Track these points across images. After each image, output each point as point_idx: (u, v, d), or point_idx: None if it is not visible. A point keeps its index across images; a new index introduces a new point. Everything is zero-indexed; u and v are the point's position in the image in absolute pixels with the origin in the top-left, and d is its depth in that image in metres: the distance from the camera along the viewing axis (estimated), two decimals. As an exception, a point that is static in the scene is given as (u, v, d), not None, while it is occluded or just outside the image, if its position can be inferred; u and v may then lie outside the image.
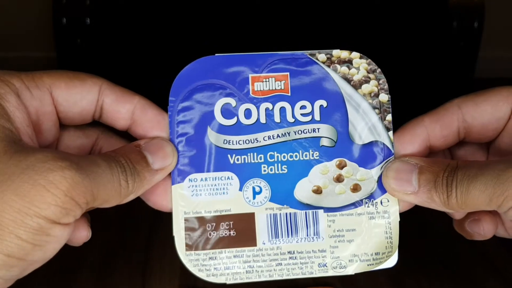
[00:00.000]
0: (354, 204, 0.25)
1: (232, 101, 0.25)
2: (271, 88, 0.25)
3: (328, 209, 0.25)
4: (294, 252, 0.25)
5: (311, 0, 1.02)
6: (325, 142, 0.25)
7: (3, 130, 0.23)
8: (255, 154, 0.25)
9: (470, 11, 0.98)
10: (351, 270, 0.26)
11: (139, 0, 1.00)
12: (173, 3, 1.01)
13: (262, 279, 0.25)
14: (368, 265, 0.26)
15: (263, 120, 0.25)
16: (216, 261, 0.25)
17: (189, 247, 0.25)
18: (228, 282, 0.25)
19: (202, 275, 0.25)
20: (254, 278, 0.25)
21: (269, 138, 0.25)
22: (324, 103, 0.26)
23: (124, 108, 0.27)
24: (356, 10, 1.02)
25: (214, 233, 0.25)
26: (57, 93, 0.26)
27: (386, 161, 0.26)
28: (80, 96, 0.26)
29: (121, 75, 0.77)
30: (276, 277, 0.25)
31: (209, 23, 1.01)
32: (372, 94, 0.26)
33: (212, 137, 0.25)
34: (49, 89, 0.26)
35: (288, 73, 0.25)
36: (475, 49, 0.99)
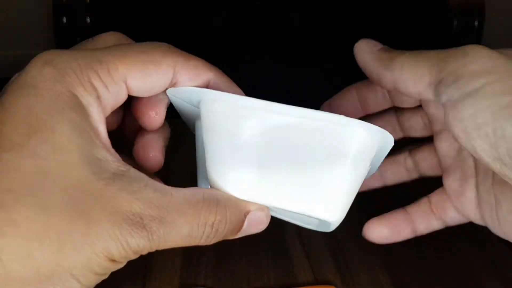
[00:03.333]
0: None
1: None
2: None
3: None
4: None
5: (310, 1, 1.02)
6: None
7: (90, 156, 0.22)
8: None
9: (471, 10, 0.98)
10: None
11: (139, -1, 1.00)
12: (173, 2, 1.01)
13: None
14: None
15: None
16: None
17: None
18: None
19: None
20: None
21: None
22: None
23: (197, 85, 0.26)
24: (356, 10, 1.02)
25: None
26: (132, 83, 0.24)
27: None
28: (154, 83, 0.25)
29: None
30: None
31: (209, 22, 1.01)
32: None
33: None
34: (124, 80, 0.24)
35: None
36: (476, 48, 0.98)
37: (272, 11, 1.03)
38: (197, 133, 0.29)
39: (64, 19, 0.96)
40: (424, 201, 0.31)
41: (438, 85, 0.24)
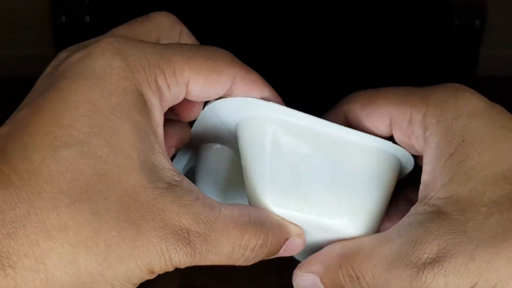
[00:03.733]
0: None
1: None
2: None
3: None
4: None
5: (310, 1, 1.02)
6: None
7: (149, 163, 0.21)
8: None
9: (471, 10, 0.98)
10: None
11: (139, -2, 0.99)
12: (173, 3, 1.01)
13: None
14: None
15: None
16: None
17: None
18: None
19: None
20: None
21: None
22: None
23: None
24: (355, 10, 1.02)
25: None
26: (193, 88, 0.24)
27: None
28: (213, 91, 0.25)
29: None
30: None
31: (209, 21, 1.01)
32: None
33: None
34: (186, 84, 0.24)
35: None
36: (477, 47, 0.98)
37: (270, 10, 1.03)
38: (216, 151, 0.29)
39: (63, 18, 0.95)
40: None
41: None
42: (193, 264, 0.23)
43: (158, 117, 0.23)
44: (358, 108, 0.28)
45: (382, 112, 0.27)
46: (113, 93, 0.21)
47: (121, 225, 0.20)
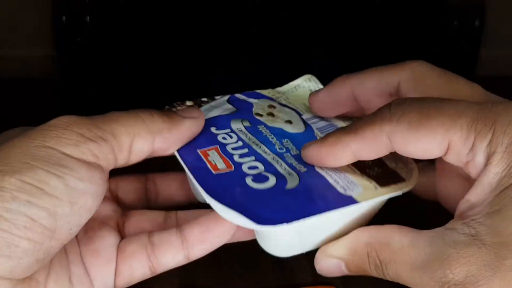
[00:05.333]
0: None
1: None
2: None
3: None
4: None
5: (309, 2, 1.02)
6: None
7: None
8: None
9: (471, 10, 0.98)
10: None
11: (139, -2, 1.00)
12: (173, 3, 1.01)
13: None
14: None
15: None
16: None
17: None
18: None
19: None
20: None
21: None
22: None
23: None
24: (356, 10, 1.02)
25: None
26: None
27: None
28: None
29: (121, 73, 0.76)
30: None
31: (209, 21, 1.01)
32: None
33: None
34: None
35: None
36: (476, 47, 0.98)
37: (267, 10, 1.03)
38: None
39: (64, 18, 0.96)
40: None
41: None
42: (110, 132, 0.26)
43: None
44: (406, 130, 0.25)
45: (437, 137, 0.24)
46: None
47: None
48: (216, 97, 0.33)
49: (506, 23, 1.01)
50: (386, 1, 1.05)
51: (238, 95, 0.33)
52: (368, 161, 0.28)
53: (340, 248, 0.27)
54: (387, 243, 0.25)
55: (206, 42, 1.00)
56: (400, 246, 0.25)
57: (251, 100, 0.33)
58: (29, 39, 1.22)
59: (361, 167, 0.28)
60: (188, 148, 0.28)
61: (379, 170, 0.29)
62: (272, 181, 0.27)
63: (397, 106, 0.25)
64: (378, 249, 0.25)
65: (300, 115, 0.33)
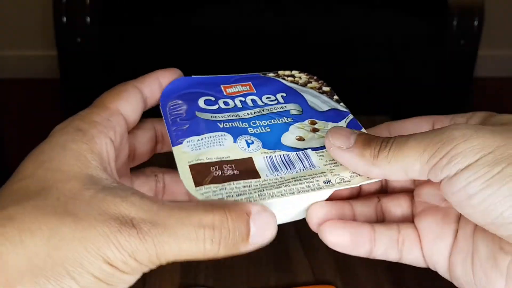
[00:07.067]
0: None
1: (211, 98, 0.31)
2: (239, 90, 0.31)
3: (314, 149, 0.28)
4: (297, 177, 0.27)
5: (309, 3, 1.02)
6: (294, 112, 0.30)
7: (83, 174, 0.24)
8: (239, 122, 0.29)
9: (470, 10, 0.98)
10: (355, 182, 0.27)
11: (139, -2, 1.00)
12: (174, 3, 1.01)
13: (274, 198, 0.26)
14: (368, 177, 0.27)
15: (239, 105, 0.30)
16: (227, 190, 0.26)
17: (198, 183, 0.26)
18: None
19: None
20: (267, 198, 0.26)
21: (248, 114, 0.30)
22: (284, 94, 0.31)
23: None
24: (356, 10, 1.02)
25: (219, 171, 0.27)
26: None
27: (347, 117, 0.30)
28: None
29: (121, 73, 0.76)
30: (287, 195, 0.26)
31: (208, 22, 1.01)
32: (317, 88, 0.32)
33: (201, 115, 0.29)
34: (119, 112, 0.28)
35: (250, 82, 0.32)
36: (475, 47, 0.99)
37: (270, 10, 1.03)
38: None
39: (64, 19, 0.96)
40: (393, 228, 0.29)
41: (431, 169, 0.24)
42: (153, 253, 0.22)
43: (99, 143, 0.26)
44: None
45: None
46: (55, 135, 0.26)
47: (60, 215, 0.23)
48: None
49: (504, 24, 1.02)
50: (386, 1, 1.05)
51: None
52: None
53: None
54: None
55: (207, 43, 1.00)
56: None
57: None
58: (29, 39, 1.22)
59: None
60: None
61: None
62: None
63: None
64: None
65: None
